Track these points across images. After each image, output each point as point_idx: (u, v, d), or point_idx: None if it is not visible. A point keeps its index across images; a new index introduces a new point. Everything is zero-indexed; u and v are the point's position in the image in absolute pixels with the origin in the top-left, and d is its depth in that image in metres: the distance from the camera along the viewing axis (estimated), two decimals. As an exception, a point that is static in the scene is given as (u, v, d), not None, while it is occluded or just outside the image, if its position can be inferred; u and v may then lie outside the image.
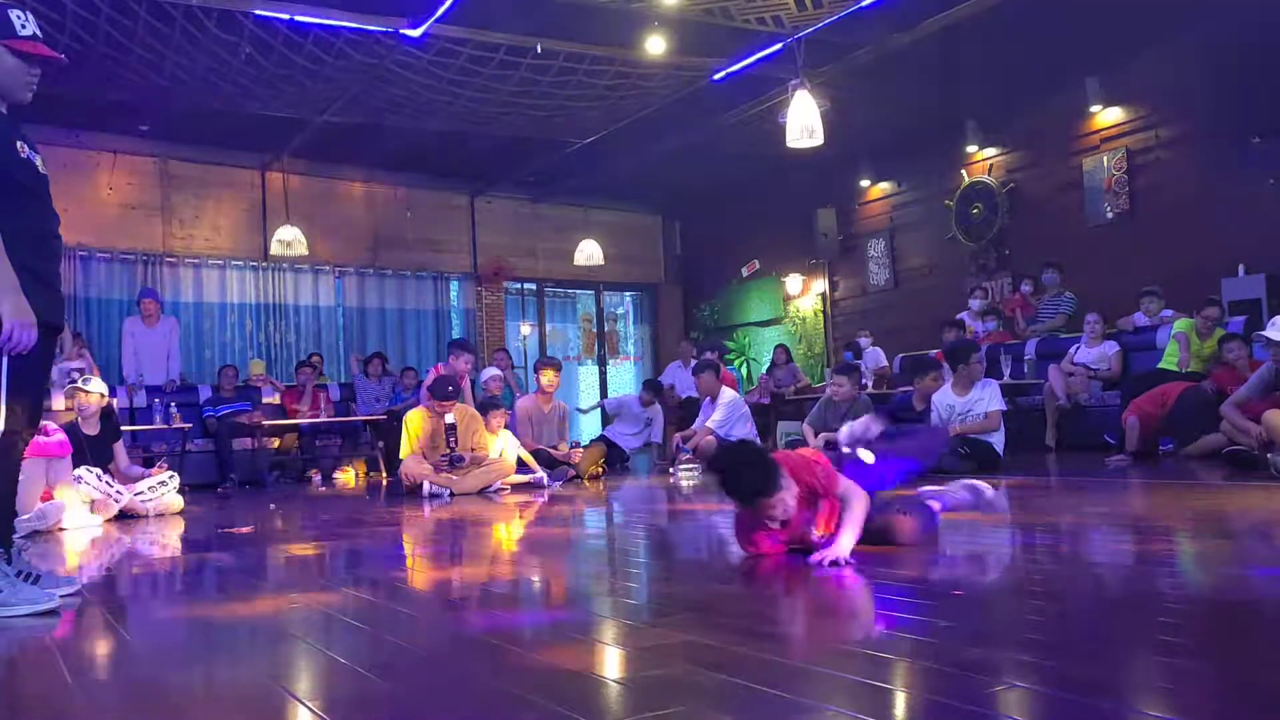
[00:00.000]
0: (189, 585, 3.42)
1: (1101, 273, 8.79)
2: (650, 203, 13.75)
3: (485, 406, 7.46)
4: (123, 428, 8.25)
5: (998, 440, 6.21)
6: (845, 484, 2.93)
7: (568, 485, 7.16)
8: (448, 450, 6.63)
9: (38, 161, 2.78)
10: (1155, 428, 6.56)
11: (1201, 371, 6.95)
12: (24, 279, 2.59)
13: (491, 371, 9.57)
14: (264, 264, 10.92)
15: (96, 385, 6.20)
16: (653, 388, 9.31)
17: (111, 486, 5.75)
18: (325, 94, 8.39)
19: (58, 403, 6.91)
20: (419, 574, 3.53)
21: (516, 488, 6.85)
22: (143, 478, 6.17)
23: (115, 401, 8.47)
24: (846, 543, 2.81)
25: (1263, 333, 5.69)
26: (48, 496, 5.32)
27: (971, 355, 6.43)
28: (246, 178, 10.97)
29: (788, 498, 2.83)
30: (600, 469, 7.94)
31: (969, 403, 6.32)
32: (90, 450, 5.92)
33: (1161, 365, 7.22)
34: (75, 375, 6.36)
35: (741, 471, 2.85)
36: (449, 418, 6.69)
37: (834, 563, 2.72)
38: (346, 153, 10.72)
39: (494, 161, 11.35)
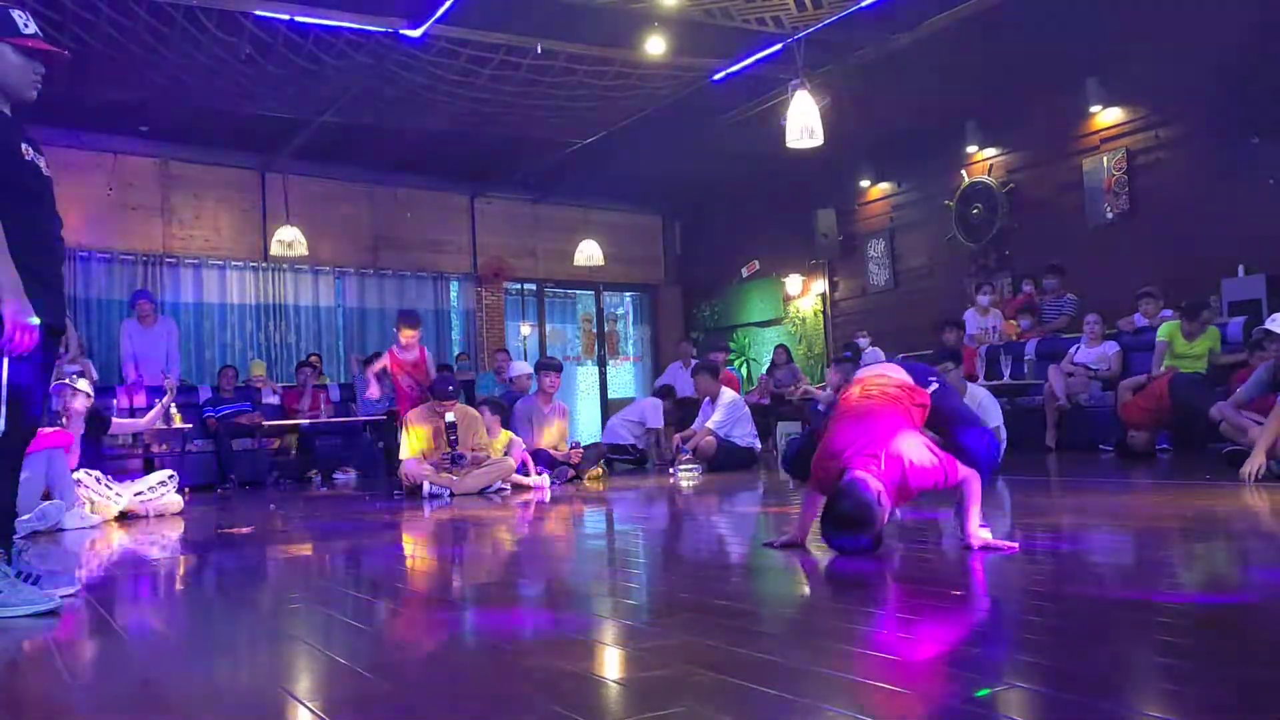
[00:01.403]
0: (189, 585, 3.42)
1: (1102, 273, 8.79)
2: (650, 203, 13.74)
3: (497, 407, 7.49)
4: (122, 420, 8.30)
5: (1000, 449, 6.25)
6: (937, 474, 2.97)
7: (568, 485, 7.17)
8: (448, 450, 6.63)
9: (41, 164, 2.79)
10: (1161, 421, 6.68)
11: (1203, 370, 6.97)
12: (26, 281, 2.59)
13: (522, 368, 9.56)
14: (264, 264, 10.92)
15: (83, 385, 6.20)
16: (667, 392, 9.45)
17: (111, 489, 5.74)
18: (325, 94, 8.39)
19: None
20: (419, 574, 3.53)
21: (516, 488, 6.85)
22: (162, 409, 6.70)
23: (115, 401, 8.54)
24: (976, 524, 2.97)
25: (1263, 326, 5.70)
26: (48, 496, 5.33)
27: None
28: (246, 178, 10.97)
29: (885, 516, 2.94)
30: (601, 470, 7.95)
31: None
32: (80, 450, 5.90)
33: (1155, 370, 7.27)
34: (73, 376, 6.36)
35: (847, 541, 2.92)
36: (449, 417, 6.69)
37: (986, 545, 2.93)
38: (346, 153, 10.71)
39: (494, 161, 11.34)
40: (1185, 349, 7.16)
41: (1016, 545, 3.00)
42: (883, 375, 3.24)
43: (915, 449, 2.91)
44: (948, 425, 3.30)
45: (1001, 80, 9.03)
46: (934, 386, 3.23)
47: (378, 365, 7.96)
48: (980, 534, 2.98)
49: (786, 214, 11.88)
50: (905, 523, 3.87)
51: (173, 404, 6.95)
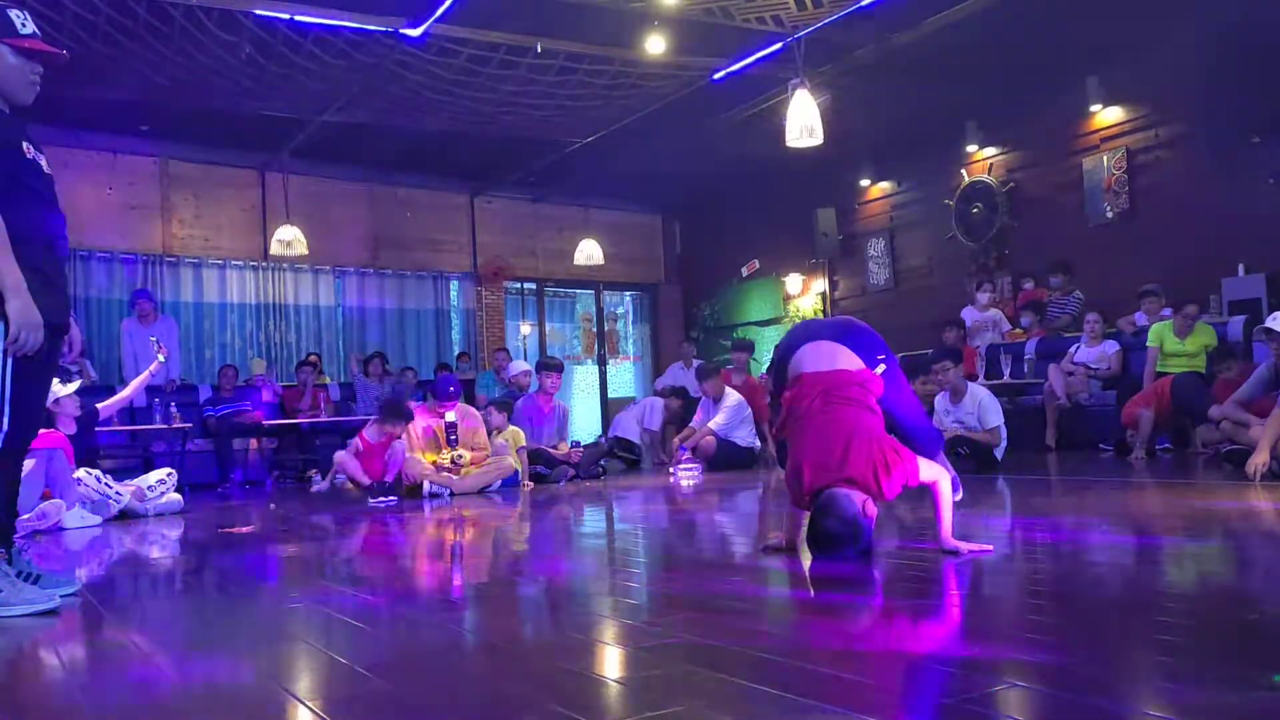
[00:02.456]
0: (189, 585, 3.42)
1: (1102, 272, 8.78)
2: (650, 203, 13.74)
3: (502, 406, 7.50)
4: (123, 428, 8.29)
5: (999, 447, 6.27)
6: (907, 476, 2.93)
7: (568, 485, 7.17)
8: (447, 449, 6.63)
9: (43, 162, 2.78)
10: (1161, 422, 6.68)
11: (1201, 369, 6.97)
12: (31, 280, 2.59)
13: (521, 366, 9.56)
14: (264, 264, 10.91)
15: (70, 386, 6.17)
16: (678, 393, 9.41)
17: (111, 488, 5.74)
18: (325, 94, 8.38)
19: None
20: (419, 574, 3.53)
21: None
22: (148, 376, 6.57)
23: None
24: (949, 529, 2.98)
25: (1263, 325, 5.72)
26: (48, 496, 5.32)
27: (931, 367, 6.50)
28: (246, 178, 10.96)
29: (872, 526, 2.93)
30: (602, 469, 7.96)
31: (963, 412, 6.39)
32: (74, 449, 5.88)
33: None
34: (64, 377, 6.31)
35: (834, 556, 2.90)
36: (449, 416, 6.69)
37: (954, 550, 2.93)
38: (346, 153, 10.71)
39: (494, 161, 11.34)
40: (1178, 347, 7.17)
41: (991, 547, 2.99)
42: (839, 372, 3.06)
43: (883, 455, 2.87)
44: (897, 420, 3.22)
45: (1001, 80, 9.03)
46: (882, 367, 3.14)
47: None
48: (954, 540, 2.95)
49: (786, 213, 11.87)
50: (904, 521, 3.87)
51: (166, 382, 6.87)
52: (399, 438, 6.62)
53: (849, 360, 3.10)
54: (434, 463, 6.63)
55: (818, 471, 2.90)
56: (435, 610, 2.65)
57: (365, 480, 6.62)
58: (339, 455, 6.86)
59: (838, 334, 3.17)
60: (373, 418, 7.01)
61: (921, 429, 3.30)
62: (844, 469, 2.86)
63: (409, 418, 6.71)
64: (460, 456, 6.62)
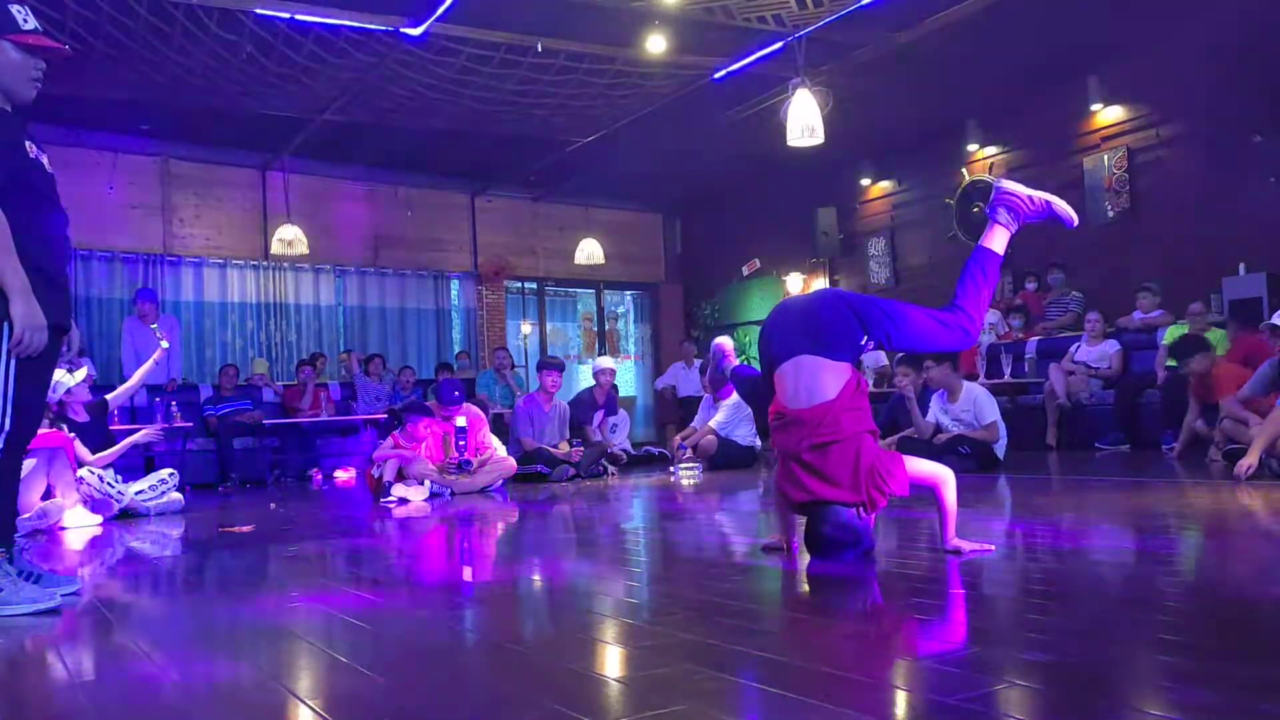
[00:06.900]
0: (189, 585, 3.43)
1: (1103, 272, 8.78)
2: (650, 202, 13.73)
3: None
4: (124, 427, 8.28)
5: (999, 444, 6.27)
6: (907, 480, 2.89)
7: (567, 484, 7.17)
8: (457, 454, 6.63)
9: (45, 161, 2.78)
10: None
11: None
12: (34, 280, 2.58)
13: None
14: (265, 263, 10.92)
15: (78, 374, 6.16)
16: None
17: (114, 486, 5.74)
18: (326, 93, 8.38)
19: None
20: (420, 573, 3.53)
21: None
22: (151, 364, 6.46)
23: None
24: (953, 531, 2.95)
25: (1269, 321, 5.73)
26: (48, 496, 5.32)
27: (923, 364, 6.51)
28: (247, 177, 10.96)
29: (870, 526, 2.93)
30: (602, 468, 7.96)
31: (959, 410, 6.39)
32: (84, 438, 5.88)
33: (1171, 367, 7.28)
34: (67, 367, 6.29)
35: (834, 560, 2.89)
36: (460, 422, 6.67)
37: (957, 549, 2.92)
38: (347, 151, 10.71)
39: (494, 161, 11.34)
40: None
41: (992, 547, 2.99)
42: (826, 408, 2.84)
43: (872, 476, 2.82)
44: (919, 346, 3.14)
45: (1002, 79, 9.02)
46: (869, 347, 3.01)
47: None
48: (956, 540, 2.94)
49: (787, 212, 11.87)
50: (905, 522, 3.87)
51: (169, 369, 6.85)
52: (419, 447, 6.57)
53: (834, 377, 2.88)
54: (443, 461, 6.63)
55: (806, 497, 2.88)
56: (435, 610, 2.65)
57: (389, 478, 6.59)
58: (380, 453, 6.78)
59: (814, 341, 2.92)
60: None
61: (941, 332, 3.03)
62: (834, 495, 2.83)
63: (427, 412, 6.69)
64: (469, 464, 6.60)
